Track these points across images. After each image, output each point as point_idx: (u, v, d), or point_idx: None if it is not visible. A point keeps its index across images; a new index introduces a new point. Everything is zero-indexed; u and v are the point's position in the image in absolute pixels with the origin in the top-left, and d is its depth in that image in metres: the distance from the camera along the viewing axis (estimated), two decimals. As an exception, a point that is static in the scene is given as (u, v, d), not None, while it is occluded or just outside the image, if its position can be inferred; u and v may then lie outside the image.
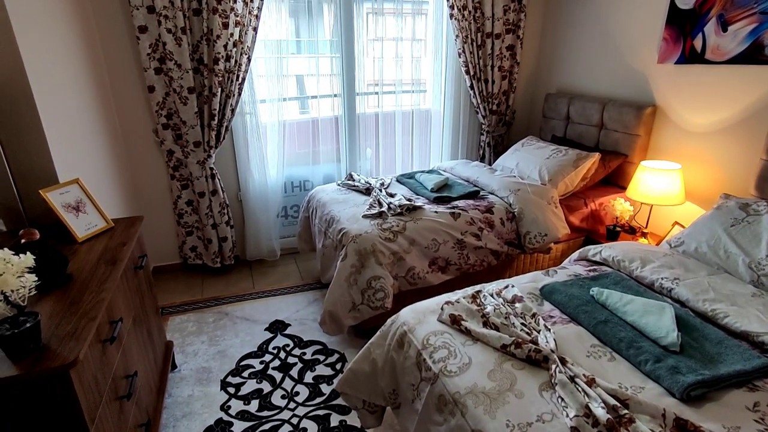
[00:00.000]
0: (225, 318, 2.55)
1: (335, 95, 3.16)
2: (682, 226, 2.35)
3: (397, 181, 2.87)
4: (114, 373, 1.29)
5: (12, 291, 0.97)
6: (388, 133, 3.37)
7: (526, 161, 2.80)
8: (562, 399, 1.05)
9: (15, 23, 1.53)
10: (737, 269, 1.57)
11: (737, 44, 2.12)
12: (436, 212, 2.31)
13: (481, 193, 2.58)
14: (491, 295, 1.46)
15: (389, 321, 1.51)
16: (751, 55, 2.08)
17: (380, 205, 2.37)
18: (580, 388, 1.05)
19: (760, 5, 2.01)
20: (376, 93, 3.24)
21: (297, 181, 3.33)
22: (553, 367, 1.12)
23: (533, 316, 1.35)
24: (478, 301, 1.43)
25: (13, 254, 0.98)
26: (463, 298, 1.45)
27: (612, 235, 2.59)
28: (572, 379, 1.08)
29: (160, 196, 2.88)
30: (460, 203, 2.42)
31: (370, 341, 1.55)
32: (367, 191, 2.62)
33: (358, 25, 3.00)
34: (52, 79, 1.80)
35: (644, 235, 2.52)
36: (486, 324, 1.32)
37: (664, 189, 2.34)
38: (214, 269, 3.04)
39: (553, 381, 1.10)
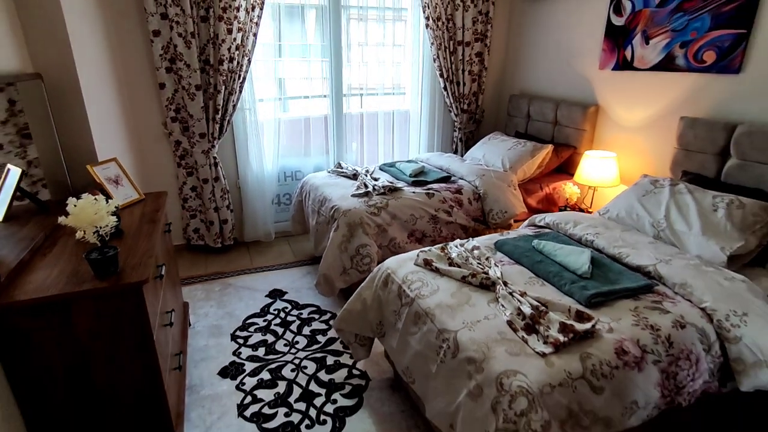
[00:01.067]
0: (229, 287, 2.89)
1: (324, 96, 3.54)
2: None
3: (380, 168, 3.27)
4: (160, 305, 1.64)
5: (100, 227, 1.33)
6: (372, 130, 3.78)
7: (491, 152, 3.24)
8: (503, 305, 1.46)
9: (69, 23, 1.87)
10: (644, 227, 2.03)
11: (656, 55, 2.61)
12: (413, 192, 2.72)
13: (452, 178, 3.00)
14: (455, 246, 1.87)
15: (376, 269, 1.91)
16: (665, 64, 2.57)
17: (366, 186, 2.77)
18: (515, 298, 1.47)
19: (672, 24, 2.50)
20: (361, 94, 3.64)
21: (290, 171, 3.69)
22: (498, 287, 1.54)
23: (487, 258, 1.76)
24: (445, 250, 1.84)
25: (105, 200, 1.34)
26: (435, 249, 1.85)
27: (563, 214, 3.04)
28: (510, 293, 1.50)
29: (167, 182, 3.20)
30: (435, 186, 2.84)
31: (360, 286, 1.94)
32: (354, 176, 3.01)
33: (345, 32, 3.40)
34: (91, 73, 2.13)
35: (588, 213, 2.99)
36: (451, 264, 1.73)
37: (603, 174, 2.81)
38: (215, 249, 3.37)
39: (497, 296, 1.51)
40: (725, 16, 2.26)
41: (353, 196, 2.66)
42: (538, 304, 1.43)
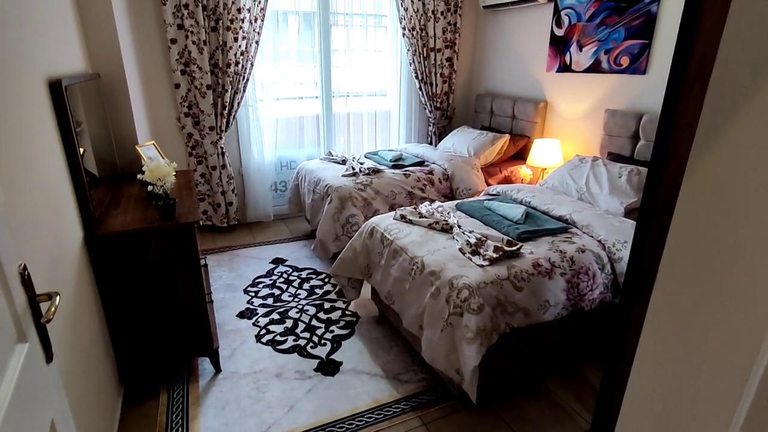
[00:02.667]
0: (237, 257, 3.39)
1: (316, 97, 4.08)
2: (561, 182, 3.43)
3: (365, 156, 3.81)
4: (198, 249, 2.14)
5: (165, 182, 1.83)
6: (357, 126, 4.33)
7: (459, 142, 3.82)
8: (456, 239, 2.02)
9: (119, 29, 2.36)
10: (571, 192, 2.62)
11: (587, 60, 3.23)
12: (393, 173, 3.27)
13: (426, 163, 3.57)
14: (425, 206, 2.42)
15: (363, 225, 2.45)
16: (594, 68, 3.19)
17: (354, 169, 3.31)
18: (465, 234, 2.03)
19: (598, 35, 3.12)
20: (348, 95, 4.18)
21: (285, 161, 4.21)
22: (454, 229, 2.10)
23: (448, 213, 2.33)
24: (417, 209, 2.39)
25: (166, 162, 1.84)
26: (409, 208, 2.41)
27: (519, 193, 3.63)
28: (462, 232, 2.06)
29: (179, 169, 3.67)
30: (411, 168, 3.40)
31: (351, 239, 2.48)
32: (343, 162, 3.55)
33: (334, 40, 3.95)
34: (131, 73, 2.63)
35: (540, 191, 3.59)
36: (420, 217, 2.29)
37: (550, 157, 3.41)
38: (221, 228, 3.85)
39: (453, 235, 2.07)
40: (634, 29, 2.88)
41: (343, 176, 3.20)
42: (481, 236, 1.99)
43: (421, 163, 3.53)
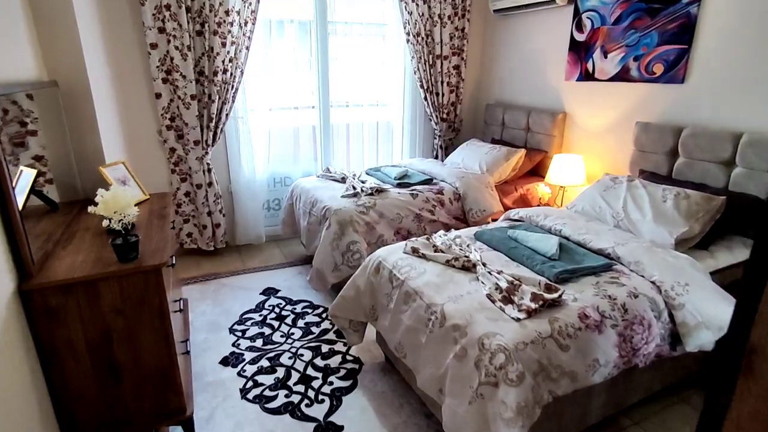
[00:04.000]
0: (224, 287, 3.02)
1: (313, 107, 3.75)
2: (585, 202, 3.10)
3: (367, 173, 3.47)
4: (171, 291, 1.78)
5: (124, 216, 1.48)
6: (357, 139, 3.99)
7: (470, 157, 3.49)
8: (483, 282, 1.67)
9: (81, 32, 2.02)
10: (605, 218, 2.28)
11: (613, 67, 2.92)
12: (399, 193, 2.93)
13: (434, 181, 3.23)
14: (440, 236, 2.07)
15: (367, 258, 2.09)
16: (622, 76, 2.87)
17: (355, 188, 2.96)
18: (493, 275, 1.67)
19: (626, 40, 2.81)
20: (347, 105, 3.85)
21: (279, 177, 3.85)
22: (478, 267, 1.75)
23: (468, 245, 1.98)
24: (430, 240, 2.04)
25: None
26: (421, 239, 2.05)
27: (536, 213, 3.30)
28: (489, 272, 1.71)
29: (161, 187, 3.32)
30: (418, 187, 3.06)
31: (353, 275, 2.12)
32: (343, 180, 3.21)
33: (332, 46, 3.62)
34: (98, 81, 2.28)
35: (560, 212, 3.25)
36: (436, 251, 1.93)
37: (571, 175, 3.08)
38: (207, 252, 3.49)
39: (477, 276, 1.72)
40: (670, 33, 2.57)
41: (343, 197, 2.85)
42: (513, 279, 1.64)
43: (428, 181, 3.19)
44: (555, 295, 1.54)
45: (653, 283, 1.72)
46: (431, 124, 4.13)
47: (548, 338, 1.42)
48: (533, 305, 1.49)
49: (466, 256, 1.84)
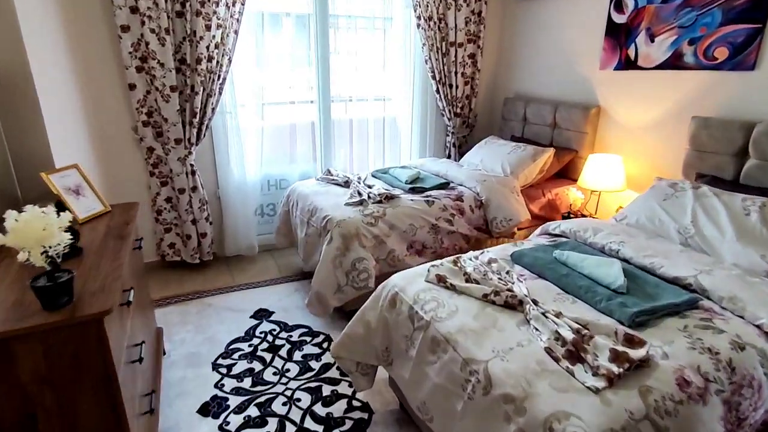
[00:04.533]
0: (208, 309, 2.60)
1: (311, 102, 3.32)
2: (625, 210, 2.69)
3: (373, 175, 3.05)
4: (127, 337, 1.37)
5: (50, 247, 1.06)
6: (362, 136, 3.57)
7: (490, 157, 3.07)
8: (536, 329, 1.26)
9: (19, 10, 1.60)
10: (669, 233, 1.87)
11: (662, 53, 2.50)
12: (412, 200, 2.51)
13: (451, 185, 2.81)
14: (470, 259, 1.66)
15: (380, 287, 1.68)
16: (673, 62, 2.46)
17: (360, 194, 2.54)
18: (550, 319, 1.26)
19: (678, 21, 2.39)
20: (349, 99, 3.43)
21: (274, 180, 3.43)
22: (527, 307, 1.34)
23: (507, 272, 1.56)
24: (458, 264, 1.63)
25: (55, 212, 1.08)
26: (446, 262, 1.64)
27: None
28: (543, 314, 1.30)
29: (138, 192, 2.90)
30: (433, 193, 2.64)
31: (362, 307, 1.71)
32: (346, 184, 2.79)
33: (333, 40, 3.19)
34: (47, 71, 1.86)
35: (594, 220, 2.84)
36: (468, 280, 1.52)
37: (608, 178, 2.67)
38: (192, 265, 3.07)
39: (527, 317, 1.31)
40: (737, 11, 2.15)
41: (347, 205, 2.44)
42: (579, 326, 1.23)
43: (444, 185, 2.77)
44: (642, 353, 1.13)
45: (759, 327, 1.31)
46: (443, 119, 3.71)
47: (643, 420, 1.02)
48: (616, 369, 1.08)
49: (509, 290, 1.43)
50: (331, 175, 2.94)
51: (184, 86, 2.72)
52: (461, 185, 2.81)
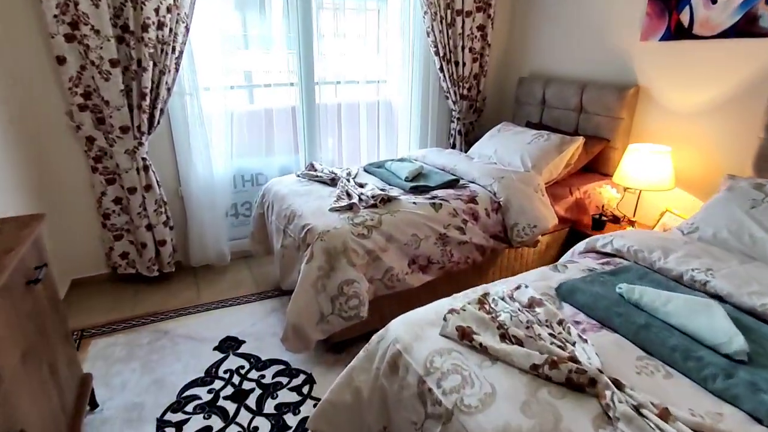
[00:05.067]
0: (163, 338, 2.11)
1: (291, 84, 2.79)
2: (676, 214, 2.20)
3: (365, 170, 2.54)
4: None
5: None
6: (352, 123, 3.04)
7: (506, 148, 2.56)
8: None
9: None
10: (766, 254, 1.39)
11: (728, 17, 1.99)
12: (414, 203, 2.01)
13: (461, 182, 2.31)
14: (502, 299, 1.17)
15: (375, 338, 1.19)
16: (743, 28, 1.95)
17: (350, 196, 2.04)
18: (652, 424, 0.78)
19: (756, -27, 1.88)
20: (338, 82, 2.90)
21: (248, 175, 2.91)
22: (608, 393, 0.85)
23: (560, 322, 1.07)
24: (487, 307, 1.14)
25: None
26: (469, 304, 1.15)
27: (598, 224, 2.41)
28: (637, 410, 0.81)
29: (79, 192, 2.38)
30: (440, 193, 2.14)
31: (351, 365, 1.22)
32: (333, 182, 2.28)
33: (317, 15, 2.65)
34: None
35: (631, 224, 2.36)
36: (505, 337, 1.03)
37: (653, 174, 2.18)
38: (150, 279, 2.56)
39: (612, 414, 0.82)
40: (842, -43, 1.64)
41: (332, 210, 1.93)
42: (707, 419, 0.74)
43: (453, 183, 2.27)
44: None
45: None
46: (448, 103, 3.19)
47: None
48: None
49: (571, 358, 0.94)
50: (315, 171, 2.42)
51: (129, 60, 2.17)
52: (473, 183, 2.30)
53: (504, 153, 2.54)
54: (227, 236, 2.77)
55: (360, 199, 1.99)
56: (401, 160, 2.65)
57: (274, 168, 2.88)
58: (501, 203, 2.15)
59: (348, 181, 2.20)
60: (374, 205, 1.95)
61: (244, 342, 2.07)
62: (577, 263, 1.48)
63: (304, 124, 2.87)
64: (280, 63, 2.74)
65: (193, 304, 2.39)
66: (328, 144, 3.01)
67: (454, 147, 3.28)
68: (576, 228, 2.50)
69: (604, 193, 2.37)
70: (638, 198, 2.35)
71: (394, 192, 2.13)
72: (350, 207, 1.93)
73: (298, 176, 2.42)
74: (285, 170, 2.90)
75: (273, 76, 2.73)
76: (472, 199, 2.12)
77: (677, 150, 2.25)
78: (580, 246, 1.66)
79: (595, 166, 2.66)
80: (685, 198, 2.25)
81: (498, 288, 1.23)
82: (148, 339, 2.10)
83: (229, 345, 2.05)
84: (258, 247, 2.55)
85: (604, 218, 2.41)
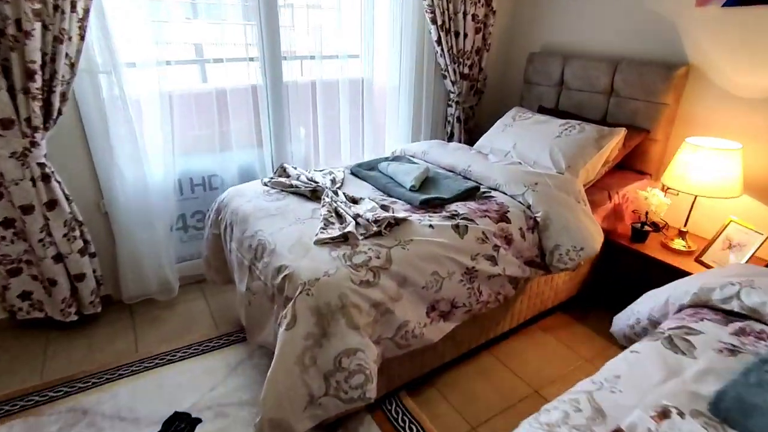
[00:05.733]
0: (81, 421, 1.49)
1: (251, 59, 2.13)
2: (744, 225, 1.78)
3: (353, 174, 1.97)
4: None
5: None
6: (330, 107, 2.42)
7: (528, 141, 2.05)
8: None
9: None
10: None
11: (831, -26, 1.53)
12: (431, 226, 1.46)
13: (482, 190, 1.78)
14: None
15: None
16: None
17: (341, 218, 1.47)
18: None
19: None
20: (312, 57, 2.26)
21: (198, 178, 2.26)
22: None
23: None
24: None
25: None
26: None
27: (639, 235, 1.97)
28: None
29: (-53, 215, 1.67)
30: (460, 208, 1.60)
31: None
32: (314, 195, 1.69)
33: None
34: None
35: (682, 235, 1.93)
36: None
37: (716, 176, 1.74)
38: (67, 324, 1.91)
39: None
40: None
41: (319, 242, 1.36)
42: None
43: (472, 192, 1.73)
44: None
45: None
46: (445, 83, 2.63)
47: None
48: None
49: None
50: (288, 177, 1.82)
51: (3, 22, 1.46)
52: (496, 189, 1.78)
53: (527, 149, 2.02)
54: (173, 258, 2.13)
55: (357, 224, 1.42)
56: (397, 158, 2.09)
57: (232, 168, 2.25)
58: (538, 219, 1.65)
59: (335, 193, 1.62)
60: (378, 233, 1.40)
61: (199, 421, 1.50)
62: (698, 333, 0.99)
63: (268, 109, 2.23)
64: (236, 35, 2.08)
65: (126, 361, 1.77)
66: (300, 134, 2.39)
67: (451, 137, 2.74)
68: (610, 238, 2.04)
69: (653, 198, 1.92)
70: (692, 206, 1.91)
71: (400, 209, 1.57)
72: (344, 238, 1.36)
73: (266, 185, 1.80)
74: (246, 172, 2.28)
75: (227, 50, 2.06)
76: (503, 217, 1.60)
77: (747, 145, 1.81)
78: (676, 298, 1.18)
79: (630, 162, 2.21)
80: (753, 207, 1.84)
81: (635, 420, 0.72)
82: (58, 425, 1.48)
83: (177, 426, 1.47)
84: (216, 276, 1.95)
85: (647, 228, 1.97)
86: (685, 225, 1.94)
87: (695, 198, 1.88)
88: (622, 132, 1.96)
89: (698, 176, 1.77)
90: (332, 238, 1.34)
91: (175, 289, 2.13)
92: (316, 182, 1.72)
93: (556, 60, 2.43)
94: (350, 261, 1.27)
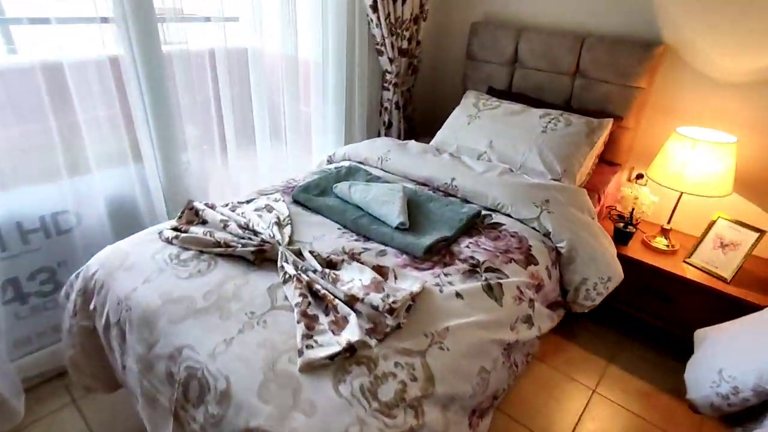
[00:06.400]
0: None
1: (105, 20, 1.32)
2: (734, 222, 1.67)
3: (297, 202, 1.36)
4: None
5: None
6: (239, 92, 1.72)
7: (508, 139, 1.67)
8: None
9: None
10: None
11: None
12: (458, 295, 0.99)
13: (482, 215, 1.35)
14: None
15: None
16: None
17: (327, 311, 0.91)
18: None
19: None
20: (208, 19, 1.52)
21: (32, 221, 1.41)
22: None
23: None
24: None
25: None
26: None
27: (622, 236, 1.78)
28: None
29: None
30: (471, 249, 1.16)
31: None
32: (261, 256, 1.07)
33: None
34: None
35: (665, 233, 1.79)
36: None
37: (707, 172, 1.59)
38: None
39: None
40: None
41: (308, 368, 0.79)
42: None
43: (473, 222, 1.30)
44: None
45: None
46: (381, 61, 2.09)
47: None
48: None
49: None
50: (205, 223, 1.15)
51: None
52: (497, 211, 1.37)
53: (508, 148, 1.64)
54: (4, 353, 1.32)
55: (355, 311, 0.88)
56: (348, 171, 1.53)
57: (94, 199, 1.45)
58: (561, 251, 1.29)
59: (299, 255, 1.03)
60: (398, 326, 0.88)
61: None
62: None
63: (143, 97, 1.46)
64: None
65: None
66: (187, 136, 1.65)
67: (390, 127, 2.25)
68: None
69: (642, 196, 1.71)
70: (676, 204, 1.75)
71: (396, 264, 1.06)
72: (350, 350, 0.81)
73: (169, 242, 1.11)
74: (121, 205, 1.50)
75: (62, 6, 1.23)
76: (529, 256, 1.20)
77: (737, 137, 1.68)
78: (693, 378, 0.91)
79: (608, 157, 1.98)
80: (741, 205, 1.75)
81: None
82: None
83: None
84: (94, 383, 1.24)
85: (631, 228, 1.78)
86: (669, 222, 1.79)
87: (680, 196, 1.72)
88: (609, 122, 1.70)
89: (689, 172, 1.60)
90: (330, 357, 0.79)
91: (20, 411, 1.32)
92: (256, 232, 1.10)
93: (508, 33, 2.06)
94: (376, 400, 0.75)
